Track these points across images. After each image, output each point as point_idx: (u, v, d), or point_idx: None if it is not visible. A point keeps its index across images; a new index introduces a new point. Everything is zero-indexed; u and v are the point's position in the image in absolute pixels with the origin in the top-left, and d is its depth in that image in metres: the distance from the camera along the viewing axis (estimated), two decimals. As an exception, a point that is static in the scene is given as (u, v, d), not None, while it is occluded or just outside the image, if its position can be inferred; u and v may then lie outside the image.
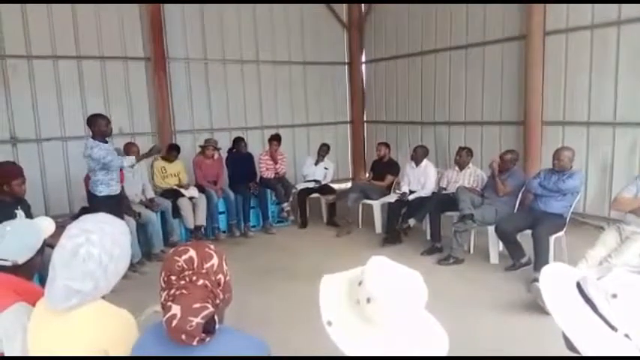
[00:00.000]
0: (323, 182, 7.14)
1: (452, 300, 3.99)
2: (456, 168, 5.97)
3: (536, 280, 3.84)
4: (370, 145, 9.46)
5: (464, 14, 7.46)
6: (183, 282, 1.29)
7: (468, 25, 7.43)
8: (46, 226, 2.07)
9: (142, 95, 7.70)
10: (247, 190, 6.61)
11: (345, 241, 6.15)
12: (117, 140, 6.29)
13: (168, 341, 1.29)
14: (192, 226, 6.06)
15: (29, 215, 3.90)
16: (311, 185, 7.08)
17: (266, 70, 8.82)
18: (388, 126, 9.25)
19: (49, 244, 1.81)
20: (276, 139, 7.07)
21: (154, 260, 5.39)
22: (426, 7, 8.06)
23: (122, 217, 4.38)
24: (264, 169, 6.99)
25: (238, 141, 7.01)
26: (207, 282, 1.30)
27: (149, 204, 5.71)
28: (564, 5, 6.14)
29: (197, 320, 1.24)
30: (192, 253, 1.34)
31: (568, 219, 4.78)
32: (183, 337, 1.25)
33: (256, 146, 7.96)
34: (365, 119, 9.86)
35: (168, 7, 7.67)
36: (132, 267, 4.85)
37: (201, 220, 6.11)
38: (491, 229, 5.01)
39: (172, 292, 1.29)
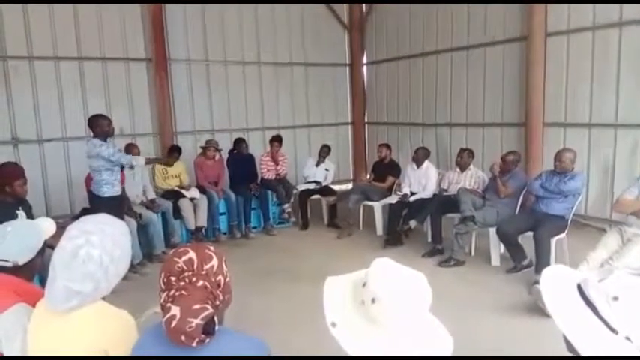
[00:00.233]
0: (324, 184, 7.14)
1: (453, 302, 3.98)
2: (457, 169, 5.97)
3: (537, 282, 3.83)
4: (371, 146, 9.46)
5: (465, 15, 7.46)
6: (182, 283, 1.29)
7: (470, 27, 7.43)
8: (47, 227, 2.07)
9: (143, 96, 7.71)
10: (248, 192, 6.61)
11: (346, 243, 6.15)
12: (118, 141, 6.30)
13: (168, 342, 1.29)
14: (193, 228, 6.06)
15: (30, 216, 3.91)
16: (312, 187, 7.07)
17: (267, 71, 8.84)
18: (389, 127, 9.25)
19: (50, 245, 1.81)
20: (277, 140, 7.08)
21: (155, 261, 5.39)
22: (427, 9, 8.06)
23: (123, 218, 4.39)
24: (265, 170, 6.99)
25: (239, 142, 7.01)
26: (206, 283, 1.30)
27: (150, 205, 5.71)
28: (565, 6, 6.13)
29: (196, 321, 1.24)
30: (192, 254, 1.34)
31: (569, 221, 4.77)
32: (183, 337, 1.25)
33: (257, 147, 7.97)
34: (366, 120, 9.87)
35: (169, 9, 7.68)
36: (132, 268, 4.85)
37: (202, 221, 6.11)
38: (492, 231, 5.00)
39: (172, 293, 1.29)
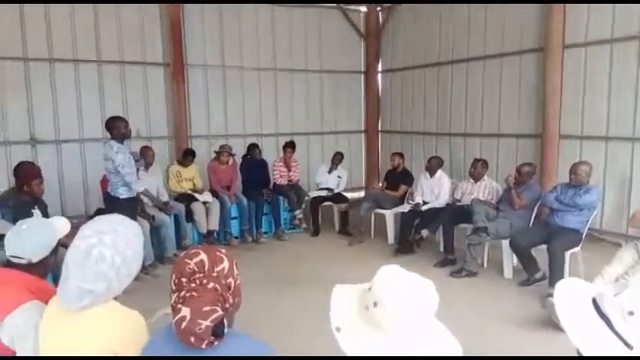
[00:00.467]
0: (336, 190, 7.13)
1: (464, 313, 3.94)
2: (471, 180, 5.92)
3: (550, 295, 3.78)
4: (384, 154, 9.43)
5: (482, 25, 7.43)
6: (193, 285, 1.30)
7: (486, 37, 7.39)
8: (61, 225, 2.09)
9: (159, 100, 7.80)
10: (260, 197, 6.63)
11: (357, 250, 6.13)
12: (134, 143, 6.37)
13: (179, 343, 1.29)
14: (204, 231, 6.10)
15: (46, 215, 3.96)
16: (324, 193, 7.07)
17: (282, 77, 8.88)
18: (403, 136, 9.21)
19: (64, 243, 1.83)
20: (290, 146, 7.11)
21: (167, 263, 5.42)
22: (444, 18, 8.05)
23: (136, 220, 4.42)
24: (278, 175, 7.01)
25: (253, 147, 7.05)
26: (217, 285, 1.30)
27: (163, 207, 5.75)
28: (584, 18, 6.07)
29: (206, 323, 1.24)
30: (203, 256, 1.34)
31: (584, 234, 4.70)
32: (192, 339, 1.25)
33: (270, 153, 8.00)
34: (379, 129, 9.84)
35: (187, 14, 7.77)
36: (144, 269, 4.89)
37: (214, 224, 6.15)
38: (505, 242, 4.95)
39: (182, 294, 1.29)
